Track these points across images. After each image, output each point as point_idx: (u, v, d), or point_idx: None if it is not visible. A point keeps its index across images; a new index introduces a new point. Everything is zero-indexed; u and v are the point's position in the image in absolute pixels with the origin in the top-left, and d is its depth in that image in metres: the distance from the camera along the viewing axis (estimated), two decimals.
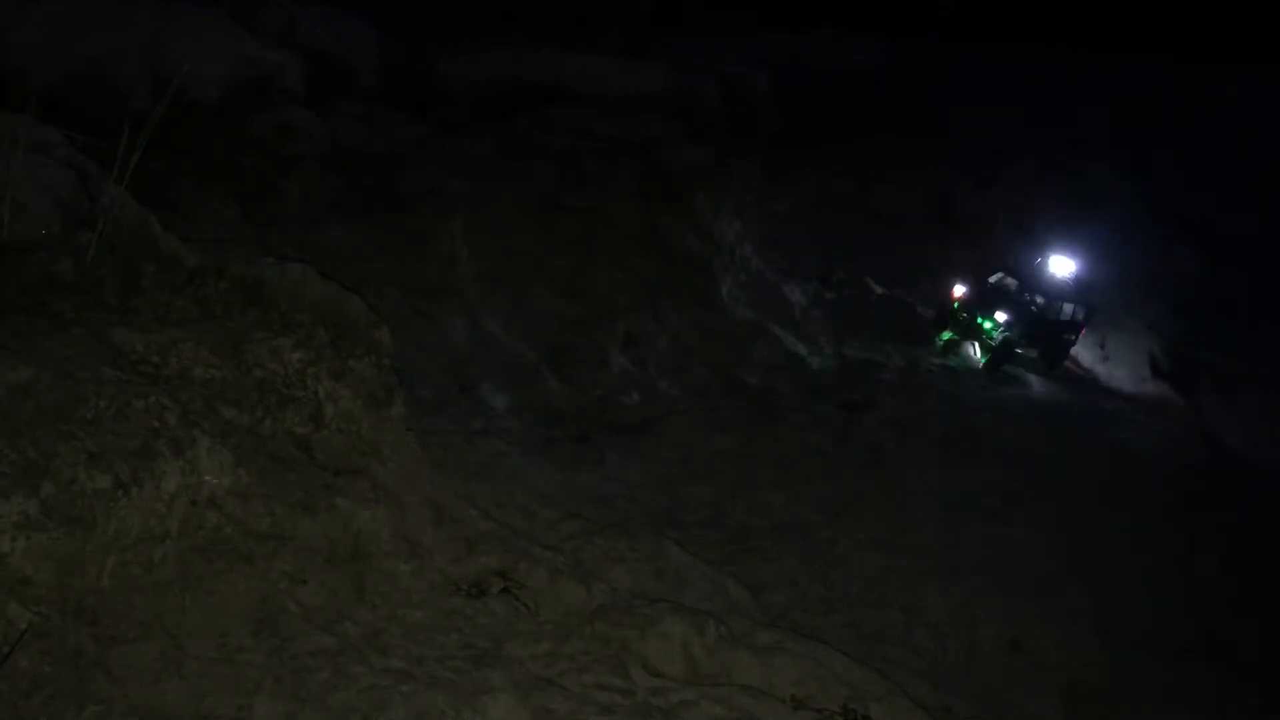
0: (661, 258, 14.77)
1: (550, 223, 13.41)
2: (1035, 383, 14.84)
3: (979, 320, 15.51)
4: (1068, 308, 15.83)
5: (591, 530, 6.12)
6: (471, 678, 3.57)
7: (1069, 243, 16.72)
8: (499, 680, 3.60)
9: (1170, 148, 23.51)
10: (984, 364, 15.21)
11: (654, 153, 15.28)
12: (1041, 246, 16.81)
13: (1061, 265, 15.91)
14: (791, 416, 11.24)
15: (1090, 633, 7.59)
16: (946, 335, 15.92)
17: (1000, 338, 15.18)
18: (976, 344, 15.74)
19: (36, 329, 3.86)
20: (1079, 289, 16.07)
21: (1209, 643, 8.30)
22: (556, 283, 13.11)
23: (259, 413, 4.34)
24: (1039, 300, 15.62)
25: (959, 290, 15.90)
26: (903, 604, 7.27)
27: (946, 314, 16.04)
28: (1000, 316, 15.32)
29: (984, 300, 15.59)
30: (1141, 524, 9.97)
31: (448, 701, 3.36)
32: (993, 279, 16.24)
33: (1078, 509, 9.93)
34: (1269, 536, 10.21)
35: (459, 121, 15.31)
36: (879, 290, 17.48)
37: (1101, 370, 16.49)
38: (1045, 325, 15.54)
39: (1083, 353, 16.55)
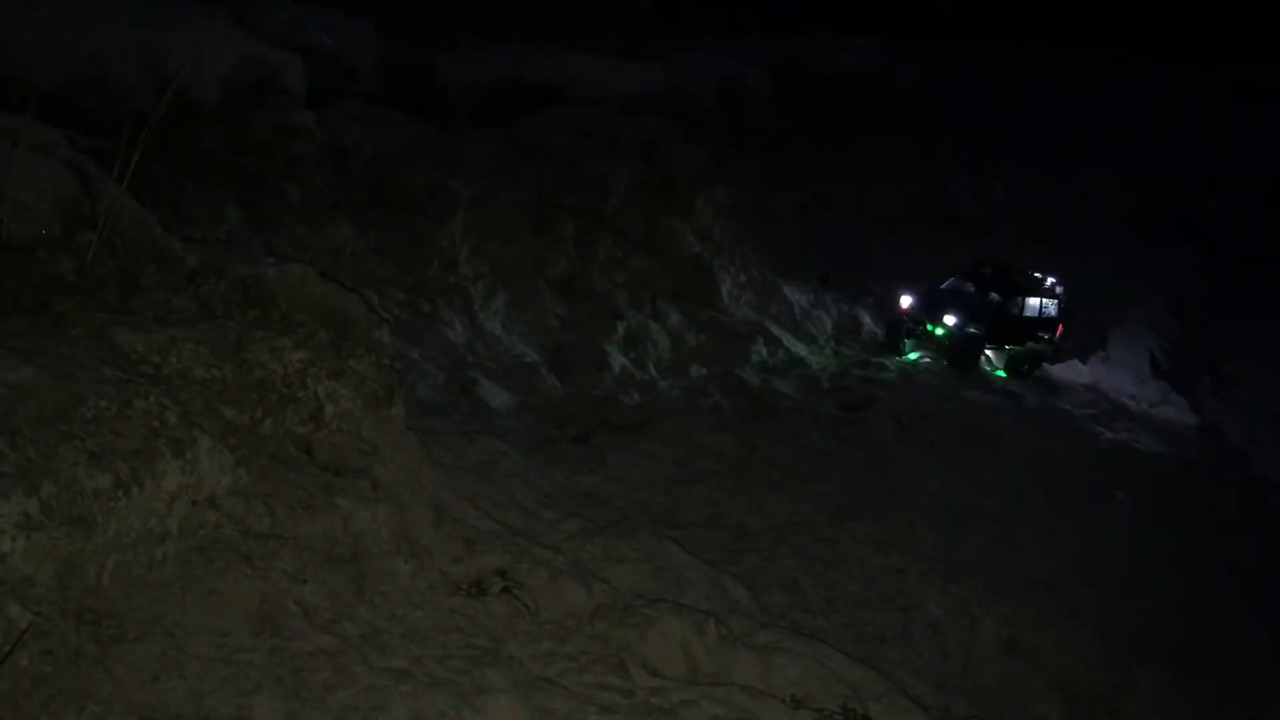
0: (661, 258, 14.79)
1: (550, 223, 13.42)
2: (1034, 383, 14.83)
3: (929, 328, 14.82)
4: (1033, 302, 15.09)
5: (591, 530, 6.12)
6: (471, 678, 3.58)
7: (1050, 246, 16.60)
8: (499, 680, 3.60)
9: (1170, 148, 23.51)
10: (951, 366, 14.43)
11: (654, 153, 15.30)
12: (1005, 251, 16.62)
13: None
14: (791, 416, 11.25)
15: (1090, 633, 7.59)
16: (912, 354, 15.10)
17: (956, 336, 14.43)
18: (924, 355, 14.93)
19: (37, 329, 3.86)
20: (1047, 284, 15.40)
21: (1209, 643, 8.30)
22: (556, 283, 13.13)
23: (259, 413, 4.34)
24: (994, 297, 14.88)
25: (906, 301, 15.13)
26: (903, 604, 7.26)
27: (899, 328, 15.25)
28: (949, 320, 14.62)
29: (932, 306, 14.89)
30: (1141, 524, 9.97)
31: (448, 701, 3.36)
32: (945, 285, 15.60)
33: (1078, 509, 9.93)
34: (1268, 536, 10.21)
35: (459, 121, 15.35)
36: (878, 290, 17.50)
37: (1101, 371, 16.47)
38: (1009, 322, 14.76)
39: (1082, 353, 16.53)
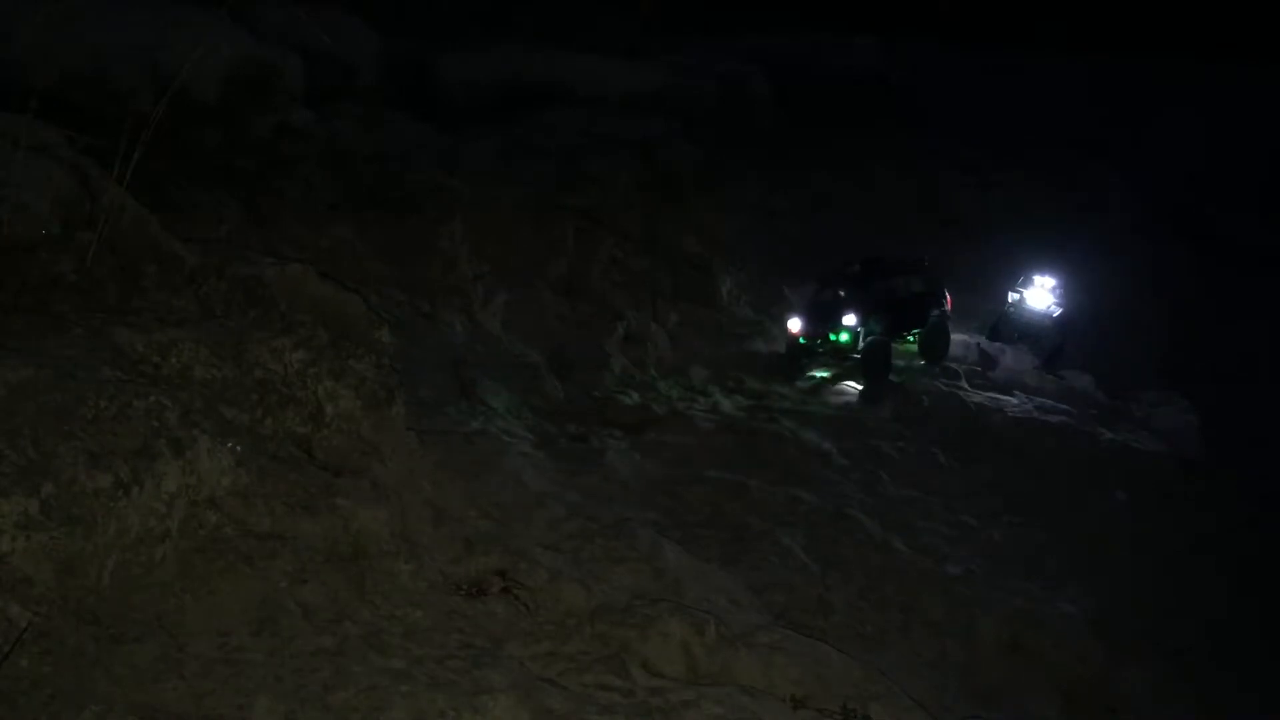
0: (661, 258, 14.81)
1: (550, 223, 13.43)
2: (1033, 383, 14.81)
3: (832, 338, 13.36)
4: (914, 280, 14.39)
5: (591, 530, 6.12)
6: (471, 678, 3.58)
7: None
8: (499, 680, 3.60)
9: (1170, 147, 23.51)
10: (864, 390, 12.73)
11: (654, 153, 15.32)
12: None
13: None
14: (791, 416, 11.25)
15: (1090, 633, 7.59)
16: (819, 373, 13.57)
17: (865, 345, 13.11)
18: (841, 378, 13.27)
19: (37, 329, 3.86)
20: (913, 261, 14.75)
21: (1209, 643, 8.30)
22: (556, 283, 13.14)
23: (259, 413, 4.34)
24: (876, 284, 13.92)
25: (795, 325, 13.59)
26: (903, 604, 7.27)
27: (796, 354, 13.62)
28: (849, 320, 13.25)
29: (824, 318, 13.51)
30: (1142, 524, 9.97)
31: (448, 701, 3.36)
32: (822, 295, 14.33)
33: (1078, 509, 9.93)
34: (1268, 536, 10.21)
35: (459, 121, 15.34)
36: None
37: (1101, 371, 16.43)
38: (901, 304, 13.95)
39: (1082, 354, 16.50)
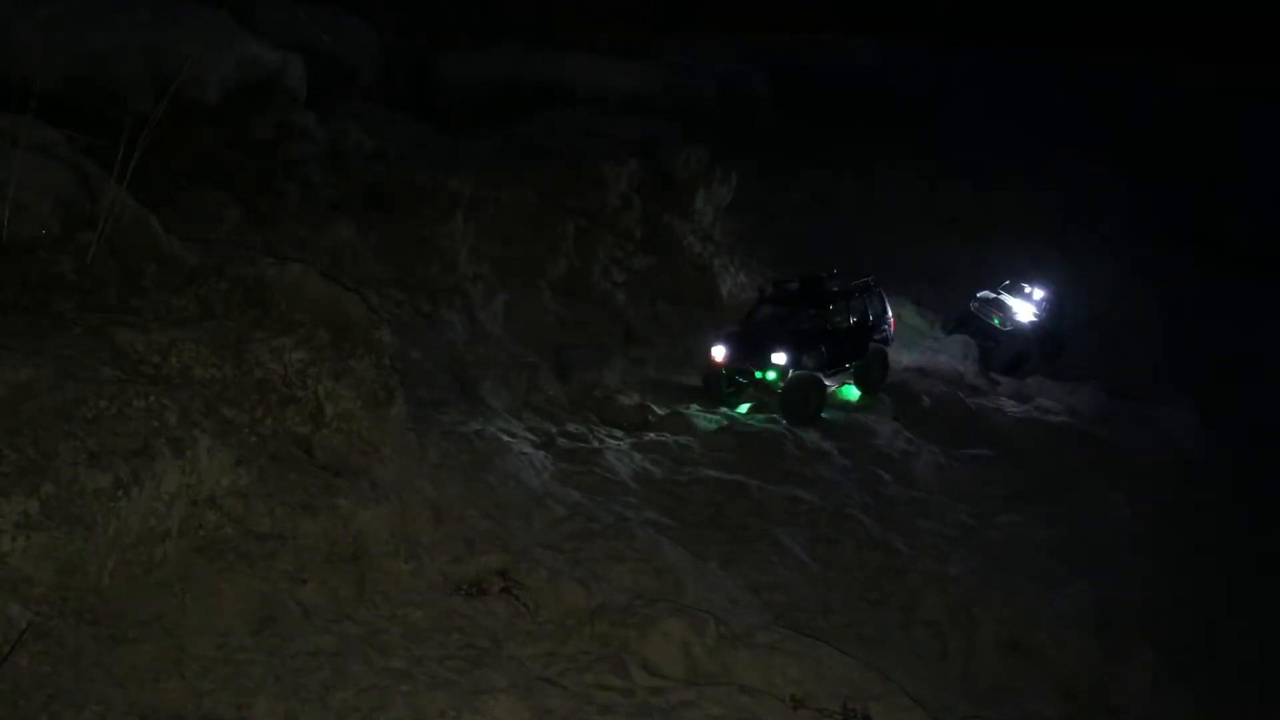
0: (661, 258, 14.80)
1: (550, 223, 13.43)
2: (1034, 384, 14.83)
3: (759, 376, 11.75)
4: (857, 304, 12.79)
5: (592, 530, 6.12)
6: (471, 677, 3.58)
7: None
8: (499, 680, 3.61)
9: (1171, 148, 23.52)
10: (788, 421, 11.12)
11: (654, 152, 15.30)
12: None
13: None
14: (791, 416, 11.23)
15: (1090, 632, 7.59)
16: (741, 406, 11.91)
17: (789, 380, 11.47)
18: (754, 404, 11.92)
19: (38, 329, 3.87)
20: (858, 283, 13.05)
21: (1208, 642, 8.30)
22: (556, 283, 13.14)
23: (259, 412, 4.35)
24: (814, 314, 12.37)
25: (720, 352, 11.79)
26: (902, 604, 7.27)
27: (717, 383, 11.89)
28: (779, 358, 11.54)
29: (752, 348, 11.82)
30: (1141, 523, 9.97)
31: (448, 701, 3.36)
32: (756, 317, 12.69)
33: (1078, 508, 9.93)
34: (1268, 536, 10.22)
35: (459, 121, 15.35)
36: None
37: (1102, 371, 16.44)
38: (841, 336, 12.33)
39: (1083, 354, 16.52)
